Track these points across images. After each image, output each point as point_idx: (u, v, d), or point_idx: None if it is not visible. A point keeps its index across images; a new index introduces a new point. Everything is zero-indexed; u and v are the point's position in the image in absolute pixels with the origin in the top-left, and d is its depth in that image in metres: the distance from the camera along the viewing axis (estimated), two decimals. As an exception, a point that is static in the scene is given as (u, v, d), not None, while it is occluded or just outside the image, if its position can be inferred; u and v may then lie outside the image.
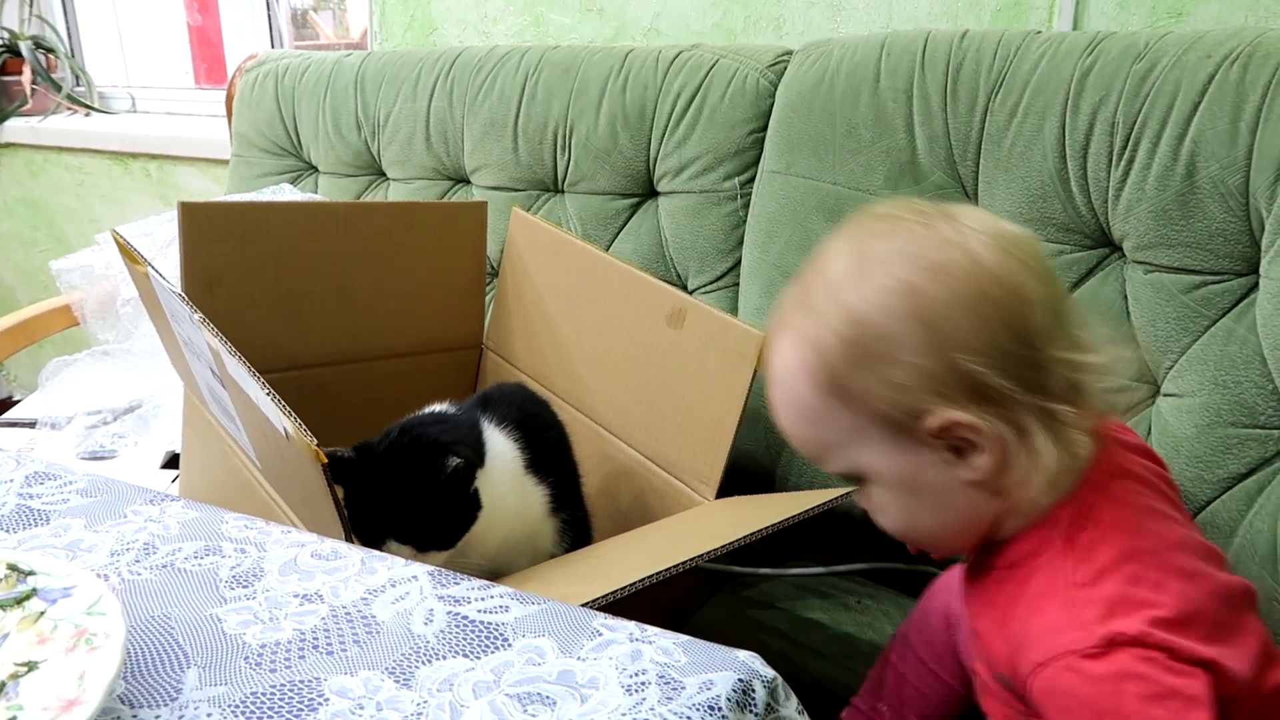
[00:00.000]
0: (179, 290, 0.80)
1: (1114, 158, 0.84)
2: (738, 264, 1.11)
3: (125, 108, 2.16)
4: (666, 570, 0.65)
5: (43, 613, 0.42)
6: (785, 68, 1.10)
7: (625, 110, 1.17)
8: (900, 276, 0.55)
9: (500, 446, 0.80)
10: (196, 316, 0.77)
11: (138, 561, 0.50)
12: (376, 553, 0.51)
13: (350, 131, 1.42)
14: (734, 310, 1.10)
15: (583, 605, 0.59)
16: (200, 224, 0.96)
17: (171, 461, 1.12)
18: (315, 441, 0.63)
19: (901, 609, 0.93)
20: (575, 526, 0.87)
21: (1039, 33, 0.94)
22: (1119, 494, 0.57)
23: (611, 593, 0.60)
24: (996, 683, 0.61)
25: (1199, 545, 0.58)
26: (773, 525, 0.74)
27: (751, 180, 1.10)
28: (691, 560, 0.67)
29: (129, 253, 0.88)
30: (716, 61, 1.14)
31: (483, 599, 0.46)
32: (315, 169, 1.49)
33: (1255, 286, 0.76)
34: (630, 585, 0.63)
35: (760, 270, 1.07)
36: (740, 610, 0.99)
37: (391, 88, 1.39)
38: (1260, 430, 0.74)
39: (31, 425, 1.26)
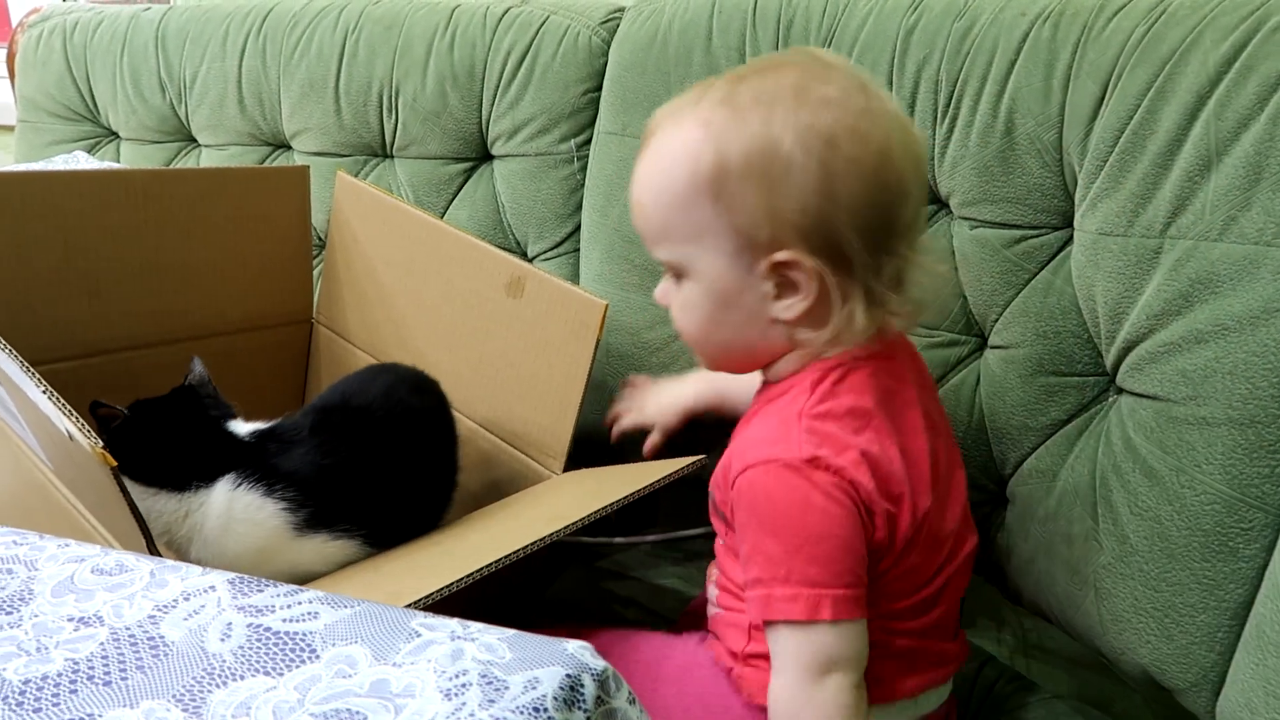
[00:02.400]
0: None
1: (939, 115, 0.85)
2: (578, 229, 1.08)
3: (-107, 68, 1.92)
4: (510, 556, 0.62)
5: None
6: (618, 25, 1.07)
7: (454, 69, 1.12)
8: (828, 123, 0.58)
9: (251, 518, 0.73)
10: (-43, 305, 0.68)
11: (-123, 593, 0.43)
12: (169, 563, 0.46)
13: (153, 94, 1.31)
14: (575, 277, 1.08)
15: (419, 600, 0.55)
16: (-35, 199, 0.85)
17: (-44, 465, 1.01)
18: (101, 444, 0.57)
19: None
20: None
21: (865, -10, 0.94)
22: (877, 370, 0.63)
23: (447, 586, 0.57)
24: (714, 510, 0.67)
25: (938, 450, 0.65)
26: (621, 500, 0.72)
27: (588, 142, 1.07)
28: (535, 543, 0.65)
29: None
30: (547, 18, 1.09)
31: (289, 606, 0.42)
32: (116, 135, 1.37)
33: (1070, 240, 0.79)
34: (470, 575, 0.59)
35: (600, 235, 1.04)
36: (594, 582, 0.97)
37: (197, 45, 1.28)
38: (1078, 378, 0.77)
39: None
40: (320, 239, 1.20)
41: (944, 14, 0.87)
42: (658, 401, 0.90)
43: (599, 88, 1.06)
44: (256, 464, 0.74)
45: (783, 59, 0.63)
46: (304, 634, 0.41)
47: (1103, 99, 0.76)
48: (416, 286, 1.01)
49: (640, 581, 0.98)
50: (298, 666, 0.39)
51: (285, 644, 0.40)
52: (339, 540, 0.74)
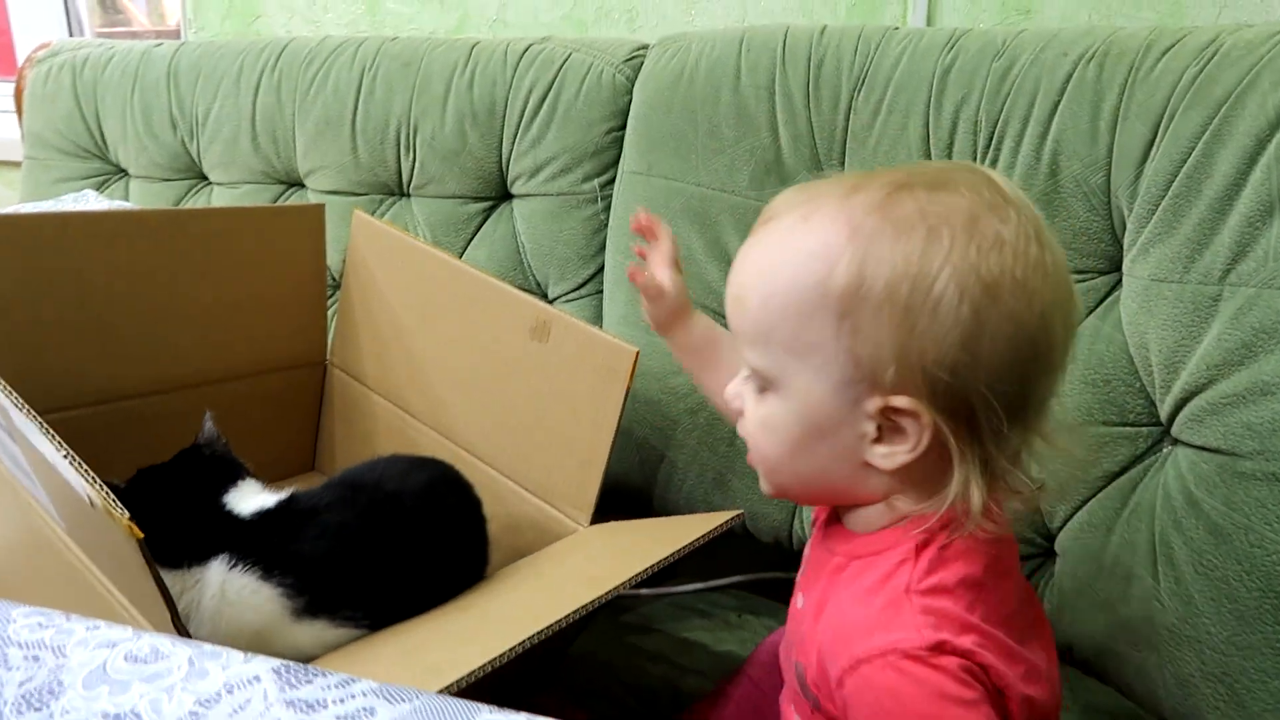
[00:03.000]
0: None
1: (978, 157, 0.83)
2: (600, 270, 1.06)
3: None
4: (550, 627, 0.59)
5: None
6: (641, 63, 1.05)
7: (473, 108, 1.10)
8: (995, 269, 0.49)
9: (246, 602, 0.69)
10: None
11: (-107, 685, 0.40)
12: (208, 648, 0.43)
13: (164, 131, 1.28)
14: (598, 319, 1.05)
15: (461, 679, 0.52)
16: (-23, 240, 0.83)
17: (-40, 517, 0.97)
18: (128, 515, 0.54)
19: (782, 620, 0.90)
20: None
21: (897, 28, 0.93)
22: (978, 535, 0.54)
23: (490, 662, 0.54)
24: (794, 678, 0.58)
25: (1032, 615, 0.57)
26: (660, 561, 0.68)
27: (612, 181, 1.05)
28: (576, 612, 0.61)
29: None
30: (569, 56, 1.07)
31: (341, 700, 0.39)
32: (125, 172, 1.34)
33: (1119, 284, 0.77)
34: (512, 650, 0.56)
35: (625, 277, 1.02)
36: (619, 636, 0.94)
37: (210, 82, 1.26)
38: (1130, 428, 0.75)
39: None
40: (335, 279, 1.17)
41: (981, 53, 0.85)
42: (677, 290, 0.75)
43: (623, 126, 1.04)
44: (254, 545, 0.70)
45: (955, 175, 0.53)
46: (360, 733, 0.37)
47: (1153, 141, 0.74)
48: (435, 329, 0.98)
49: (667, 635, 0.94)
50: (356, 772, 0.36)
51: (340, 745, 0.37)
52: (342, 628, 0.70)
